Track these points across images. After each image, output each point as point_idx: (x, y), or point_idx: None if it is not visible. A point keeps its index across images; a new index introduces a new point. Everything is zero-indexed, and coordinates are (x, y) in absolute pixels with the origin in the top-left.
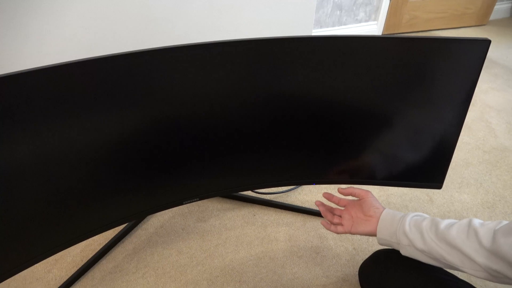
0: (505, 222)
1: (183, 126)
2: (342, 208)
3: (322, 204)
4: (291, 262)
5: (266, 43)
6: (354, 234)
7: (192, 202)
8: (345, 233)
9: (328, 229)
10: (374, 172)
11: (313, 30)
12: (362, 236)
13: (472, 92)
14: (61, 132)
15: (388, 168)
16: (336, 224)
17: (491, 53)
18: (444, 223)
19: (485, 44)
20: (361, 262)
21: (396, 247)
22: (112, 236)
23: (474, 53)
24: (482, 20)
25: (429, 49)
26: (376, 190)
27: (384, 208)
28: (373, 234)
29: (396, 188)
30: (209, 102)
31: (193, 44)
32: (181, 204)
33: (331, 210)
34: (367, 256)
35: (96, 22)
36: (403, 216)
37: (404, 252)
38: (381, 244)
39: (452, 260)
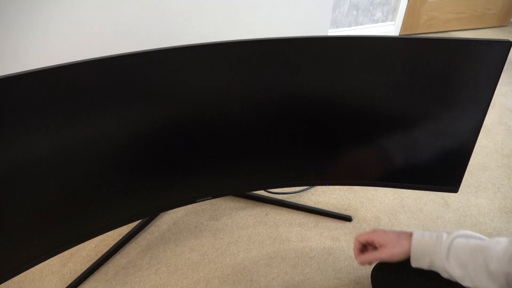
0: None
1: (197, 125)
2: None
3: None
4: (302, 263)
5: (276, 43)
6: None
7: (205, 200)
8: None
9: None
10: (389, 174)
11: (329, 30)
12: None
13: (492, 94)
14: (79, 130)
15: (404, 171)
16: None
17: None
18: (494, 258)
19: (506, 45)
20: (374, 264)
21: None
22: (126, 232)
23: (494, 55)
24: (503, 21)
25: (447, 50)
26: (390, 193)
27: (411, 241)
28: (407, 255)
29: (411, 190)
30: (221, 102)
31: (200, 44)
32: (194, 202)
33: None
34: None
35: (110, 20)
36: (439, 244)
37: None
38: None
39: None
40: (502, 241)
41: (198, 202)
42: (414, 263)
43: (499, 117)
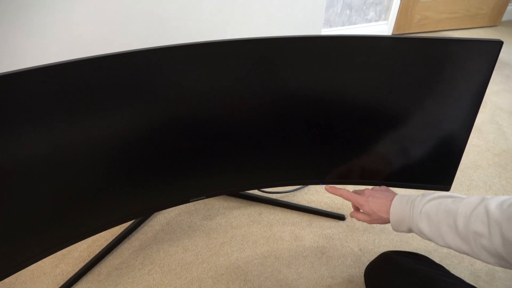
0: None
1: (189, 125)
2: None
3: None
4: (296, 262)
5: (270, 43)
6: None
7: (198, 200)
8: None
9: (333, 193)
10: (382, 173)
11: (323, 30)
12: (368, 237)
13: (483, 93)
14: (68, 131)
15: (396, 169)
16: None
17: (503, 54)
18: (461, 218)
19: (497, 45)
20: (367, 263)
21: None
22: (119, 232)
23: (485, 54)
24: (495, 21)
25: (439, 49)
26: None
27: (390, 206)
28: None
29: (403, 189)
30: (214, 101)
31: (193, 44)
32: (188, 202)
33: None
34: (373, 257)
35: (104, 20)
36: (412, 207)
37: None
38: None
39: (469, 253)
40: (471, 200)
41: (192, 202)
42: (395, 230)
43: (490, 116)
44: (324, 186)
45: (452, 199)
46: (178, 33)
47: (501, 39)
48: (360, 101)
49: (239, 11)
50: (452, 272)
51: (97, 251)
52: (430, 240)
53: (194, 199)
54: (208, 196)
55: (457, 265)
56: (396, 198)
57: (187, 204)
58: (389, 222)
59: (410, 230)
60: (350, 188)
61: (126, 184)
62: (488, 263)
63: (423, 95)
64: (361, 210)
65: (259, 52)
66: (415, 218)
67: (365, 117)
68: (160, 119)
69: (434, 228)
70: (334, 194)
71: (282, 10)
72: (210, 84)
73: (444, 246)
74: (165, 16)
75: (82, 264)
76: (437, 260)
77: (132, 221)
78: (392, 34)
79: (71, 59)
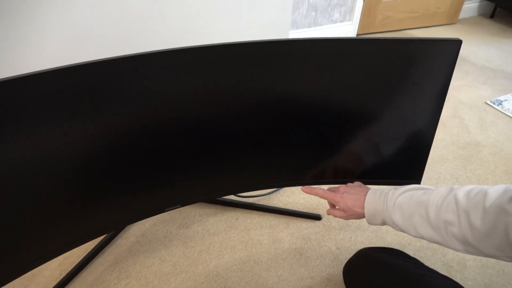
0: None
1: (162, 132)
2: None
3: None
4: (275, 265)
5: (238, 48)
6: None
7: (174, 209)
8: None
9: (309, 192)
10: (354, 171)
11: (290, 31)
12: (345, 236)
13: (447, 89)
14: (27, 143)
15: (368, 167)
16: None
17: (462, 51)
18: (432, 208)
19: (457, 44)
20: (345, 261)
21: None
22: (92, 247)
23: (447, 52)
24: (452, 19)
25: (403, 49)
26: None
27: (365, 199)
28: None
29: (375, 185)
30: (187, 107)
31: (164, 51)
32: (163, 211)
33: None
34: (350, 255)
35: (73, 28)
36: (384, 202)
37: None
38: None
39: (441, 242)
40: (441, 191)
41: (167, 211)
42: (370, 223)
43: (453, 111)
44: (299, 187)
45: (423, 190)
46: (146, 40)
47: (459, 36)
48: (331, 102)
49: (206, 15)
50: (426, 264)
51: (70, 268)
52: (403, 231)
53: (170, 208)
54: (184, 204)
55: (430, 257)
56: (369, 192)
57: (162, 214)
58: (364, 216)
59: (384, 223)
60: (325, 187)
61: (97, 197)
62: (459, 251)
63: (390, 94)
64: (337, 207)
65: (229, 57)
66: (389, 210)
67: (336, 117)
68: (129, 127)
69: (407, 219)
70: (310, 193)
71: (249, 13)
72: (182, 89)
73: (416, 237)
74: (130, 23)
75: (54, 283)
76: (411, 253)
77: (105, 234)
78: (357, 34)
79: (40, 71)
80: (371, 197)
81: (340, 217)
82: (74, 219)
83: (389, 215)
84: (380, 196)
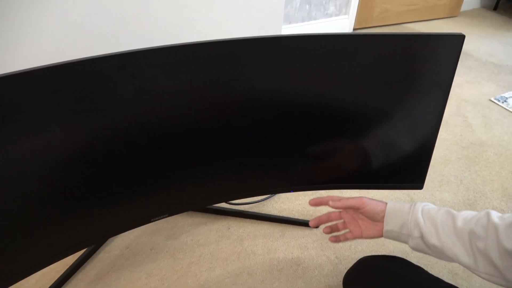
0: None
1: (147, 135)
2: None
3: (319, 221)
4: (271, 277)
5: (229, 45)
6: (365, 238)
7: (161, 219)
8: (355, 238)
9: (337, 241)
10: (353, 176)
11: (283, 26)
12: (344, 244)
13: (449, 87)
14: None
15: (368, 171)
16: (342, 231)
17: (464, 45)
18: (461, 218)
19: (459, 39)
20: (344, 271)
21: (404, 239)
22: (72, 262)
23: (449, 48)
24: (454, 11)
25: (403, 46)
26: (356, 194)
27: (387, 202)
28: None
29: (376, 190)
30: (175, 108)
31: (155, 48)
32: (149, 222)
33: (329, 219)
34: (350, 265)
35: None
36: (412, 205)
37: (413, 245)
38: (387, 237)
39: (466, 261)
40: (473, 211)
41: (153, 221)
42: (386, 226)
43: (456, 109)
44: (308, 197)
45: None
46: (129, 37)
47: (461, 29)
48: (327, 102)
49: (193, 11)
50: (430, 272)
51: (48, 285)
52: (422, 236)
53: (156, 218)
54: (172, 213)
55: (435, 264)
56: (390, 201)
57: (148, 224)
58: (381, 228)
59: (402, 226)
60: (321, 193)
61: (72, 207)
62: (479, 274)
63: (389, 93)
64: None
65: (219, 55)
66: (415, 212)
67: (333, 118)
68: (113, 128)
69: (432, 222)
70: (320, 205)
71: (240, 8)
72: (167, 90)
73: (436, 246)
74: (116, 20)
75: None
76: (414, 261)
77: (86, 248)
78: (353, 29)
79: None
80: (395, 202)
81: (354, 237)
82: (50, 231)
83: (415, 215)
84: (404, 202)
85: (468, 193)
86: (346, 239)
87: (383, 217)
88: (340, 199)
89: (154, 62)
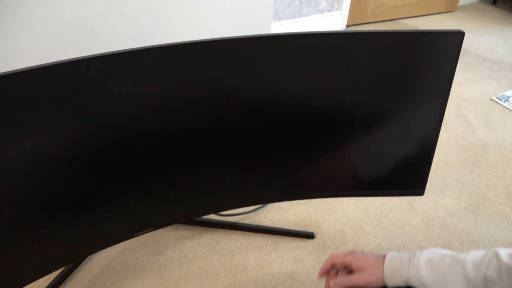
0: None
1: (128, 143)
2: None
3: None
4: None
5: (215, 45)
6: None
7: (145, 233)
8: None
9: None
10: (350, 183)
11: (272, 24)
12: None
13: (449, 87)
14: None
15: (366, 177)
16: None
17: (463, 41)
18: (470, 264)
19: (458, 36)
20: None
21: None
22: (48, 282)
23: (448, 46)
24: (452, 6)
25: (399, 43)
26: (353, 202)
27: (384, 264)
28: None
29: (374, 197)
30: (157, 112)
31: (137, 49)
32: (132, 236)
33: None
34: None
35: (23, 29)
36: (412, 257)
37: None
38: None
39: None
40: (479, 250)
41: (137, 236)
42: (389, 282)
43: (456, 109)
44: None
45: (455, 252)
46: (111, 37)
47: (460, 24)
48: (321, 105)
49: (179, 9)
50: None
51: None
52: None
53: (140, 233)
54: (157, 227)
55: None
56: (390, 252)
57: (132, 239)
58: (383, 282)
59: (407, 281)
60: (316, 202)
61: (47, 222)
62: None
63: (386, 94)
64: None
65: (205, 55)
66: (416, 266)
67: (328, 121)
68: (91, 134)
69: (438, 276)
70: (327, 273)
71: (227, 5)
72: (150, 92)
73: None
74: (96, 21)
75: None
76: None
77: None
78: (346, 25)
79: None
80: (393, 253)
81: (349, 284)
82: (21, 249)
83: (416, 270)
84: (404, 255)
85: (471, 198)
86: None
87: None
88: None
89: (136, 64)
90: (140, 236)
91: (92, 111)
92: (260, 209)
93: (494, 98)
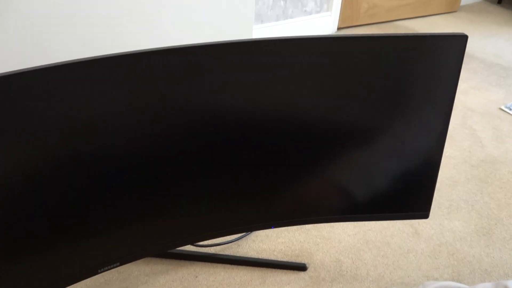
0: None
1: (91, 163)
2: None
3: None
4: None
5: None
6: None
7: (110, 269)
8: None
9: None
10: (345, 205)
11: (254, 27)
12: None
13: (453, 96)
14: None
15: (362, 199)
16: None
17: (467, 45)
18: None
19: (461, 40)
20: None
21: None
22: None
23: (450, 51)
24: (452, 6)
25: (397, 49)
26: (349, 227)
27: None
28: None
29: (374, 222)
30: (124, 128)
31: (95, 58)
32: (96, 273)
33: None
34: None
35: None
36: None
37: None
38: None
39: None
40: (486, 284)
41: (101, 273)
42: None
43: (462, 120)
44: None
45: (462, 285)
46: (67, 45)
47: (462, 26)
48: (310, 118)
49: (152, 13)
50: None
51: None
52: None
53: (104, 269)
54: (124, 262)
55: None
56: None
57: (95, 276)
58: None
59: None
60: (308, 228)
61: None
62: None
63: (384, 105)
64: None
65: (179, 64)
66: None
67: (317, 136)
68: (36, 161)
69: None
70: None
71: (205, 8)
72: (111, 106)
73: None
74: (48, 24)
75: None
76: None
77: None
78: (337, 28)
79: None
80: None
81: None
82: None
83: None
84: None
85: (481, 220)
86: None
87: None
88: None
89: (91, 75)
90: (105, 273)
91: (39, 133)
92: (243, 238)
93: (503, 107)
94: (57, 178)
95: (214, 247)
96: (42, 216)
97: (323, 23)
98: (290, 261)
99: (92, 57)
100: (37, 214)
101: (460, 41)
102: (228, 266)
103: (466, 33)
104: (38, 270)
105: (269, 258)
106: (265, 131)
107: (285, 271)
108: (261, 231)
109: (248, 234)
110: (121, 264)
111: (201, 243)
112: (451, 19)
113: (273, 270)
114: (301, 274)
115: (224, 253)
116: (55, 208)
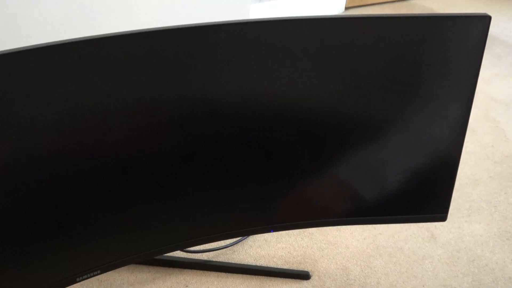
0: None
1: (63, 161)
2: None
3: None
4: None
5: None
6: None
7: (90, 277)
8: None
9: None
10: (355, 207)
11: (251, 6)
12: None
13: (474, 84)
14: None
15: (373, 199)
16: None
17: (491, 27)
18: None
19: (484, 21)
20: None
21: None
22: None
23: (471, 33)
24: None
25: (412, 31)
26: (358, 231)
27: None
28: None
29: (385, 225)
30: (100, 129)
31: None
32: (74, 282)
33: None
34: None
35: None
36: None
37: None
38: None
39: None
40: None
41: (80, 281)
42: None
43: (484, 111)
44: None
45: None
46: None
47: (485, 5)
48: (315, 108)
49: None
50: None
51: None
52: None
53: (84, 277)
54: (105, 269)
55: None
56: None
57: (73, 285)
58: None
59: None
60: (312, 232)
61: None
62: None
63: (398, 93)
64: None
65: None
66: None
67: (323, 129)
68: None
69: None
70: None
71: None
72: (91, 97)
73: None
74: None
75: None
76: None
77: None
78: (345, 8)
79: None
80: None
81: None
82: None
83: None
84: None
85: (505, 223)
86: None
87: None
88: None
89: (60, 61)
90: (84, 282)
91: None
92: (239, 243)
93: None
94: (30, 176)
95: (207, 253)
96: (9, 217)
97: (329, 2)
98: (291, 268)
99: (69, 39)
100: (4, 215)
101: (482, 22)
102: (222, 274)
103: (489, 13)
104: (4, 279)
105: (268, 266)
106: (264, 123)
107: (285, 280)
108: (259, 235)
109: (244, 239)
110: (102, 272)
111: (191, 248)
112: None
113: (273, 278)
114: (304, 283)
115: (218, 260)
116: (25, 208)
